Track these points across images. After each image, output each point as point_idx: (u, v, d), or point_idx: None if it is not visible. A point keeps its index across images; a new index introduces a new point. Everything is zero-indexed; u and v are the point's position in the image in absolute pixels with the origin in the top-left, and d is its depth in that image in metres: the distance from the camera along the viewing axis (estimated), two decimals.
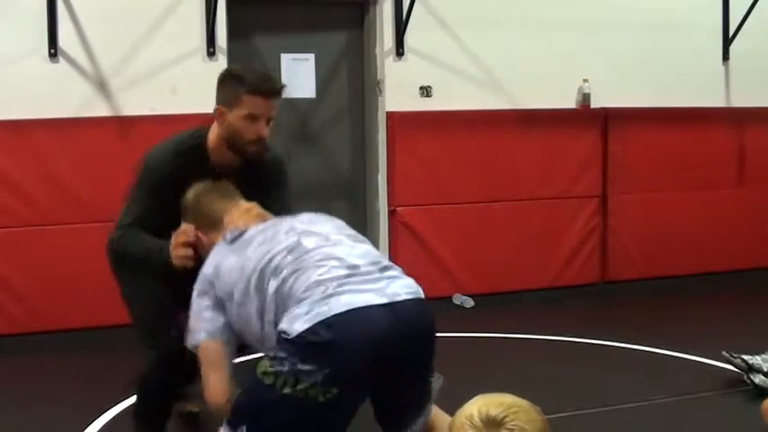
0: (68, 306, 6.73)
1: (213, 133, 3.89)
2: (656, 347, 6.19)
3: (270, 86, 3.79)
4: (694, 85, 8.52)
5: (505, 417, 1.97)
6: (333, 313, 2.90)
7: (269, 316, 3.06)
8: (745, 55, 8.67)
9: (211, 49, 7.14)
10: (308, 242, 3.16)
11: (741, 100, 8.78)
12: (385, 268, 3.15)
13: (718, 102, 8.75)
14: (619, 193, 8.28)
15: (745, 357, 5.31)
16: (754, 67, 8.71)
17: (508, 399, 2.02)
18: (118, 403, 5.17)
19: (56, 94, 6.74)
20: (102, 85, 6.89)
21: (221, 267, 3.27)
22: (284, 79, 7.53)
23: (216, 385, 3.21)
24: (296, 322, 2.91)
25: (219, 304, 3.25)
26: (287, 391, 2.89)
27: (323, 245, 3.16)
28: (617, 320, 7.22)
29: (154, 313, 4.11)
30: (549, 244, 8.04)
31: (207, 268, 3.33)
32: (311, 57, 7.68)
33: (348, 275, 3.02)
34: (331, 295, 2.94)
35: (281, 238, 3.21)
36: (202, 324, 3.26)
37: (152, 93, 6.93)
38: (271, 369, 2.93)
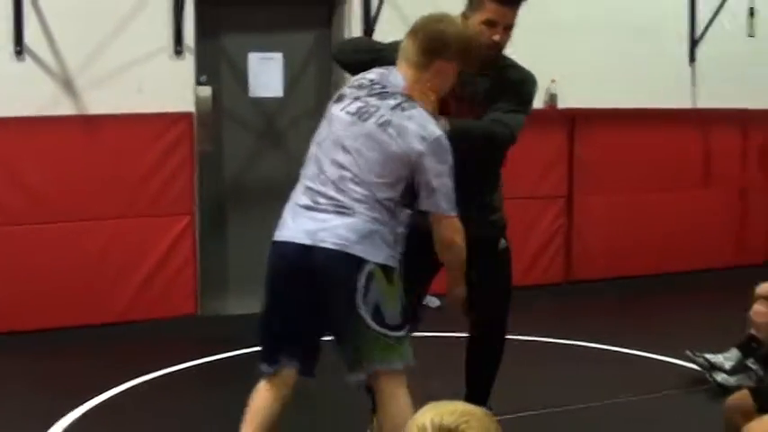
0: (30, 306, 6.67)
1: None
2: (621, 347, 6.23)
3: None
4: (661, 86, 8.58)
5: (458, 426, 1.94)
6: (273, 238, 3.68)
7: None
8: (711, 57, 8.74)
9: (179, 48, 7.11)
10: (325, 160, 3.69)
11: (707, 101, 8.85)
12: (337, 209, 3.55)
13: (684, 103, 8.81)
14: (584, 194, 8.32)
15: (707, 356, 5.36)
16: (719, 68, 8.78)
17: (460, 406, 1.99)
18: (77, 407, 5.13)
19: (21, 93, 6.69)
20: (68, 84, 6.85)
21: None
22: (251, 78, 7.58)
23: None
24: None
25: None
26: None
27: (322, 173, 3.66)
28: (582, 320, 7.26)
29: None
30: (515, 244, 7.99)
31: None
32: (279, 56, 7.67)
33: (305, 207, 3.63)
34: (283, 222, 3.71)
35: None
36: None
37: (118, 91, 6.88)
38: None
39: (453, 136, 3.83)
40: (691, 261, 8.61)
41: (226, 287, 7.62)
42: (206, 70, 7.39)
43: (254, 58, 7.59)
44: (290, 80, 7.73)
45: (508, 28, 4.14)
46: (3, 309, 6.60)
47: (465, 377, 4.53)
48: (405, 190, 3.57)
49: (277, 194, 7.60)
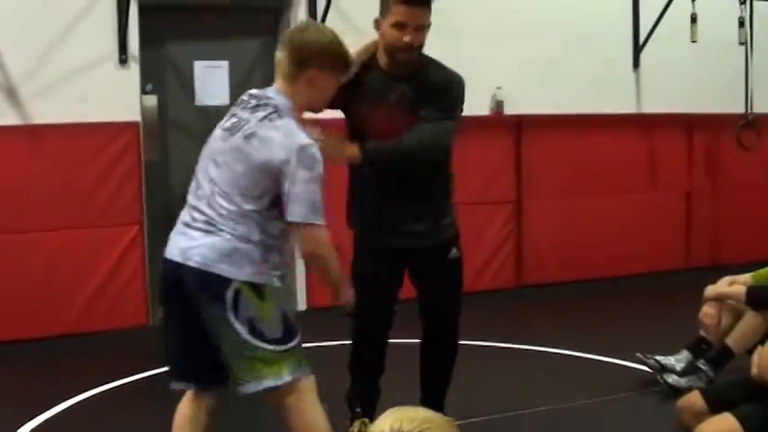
0: None
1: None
2: (572, 350, 6.26)
3: None
4: (606, 91, 8.66)
5: None
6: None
7: None
8: (655, 62, 8.84)
9: (123, 57, 7.04)
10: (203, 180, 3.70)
11: (651, 106, 8.95)
12: (206, 227, 3.56)
13: (629, 108, 8.90)
14: (533, 199, 8.37)
15: (658, 358, 5.39)
16: (663, 74, 8.88)
17: (421, 413, 1.99)
18: (28, 421, 5.05)
19: None
20: (11, 93, 6.75)
21: None
22: (197, 87, 7.53)
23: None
24: None
25: None
26: None
27: (200, 189, 3.67)
28: (533, 324, 7.29)
29: None
30: (465, 249, 8.04)
31: None
32: (225, 64, 7.63)
33: (184, 224, 3.65)
34: (169, 238, 3.72)
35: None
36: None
37: (63, 101, 6.81)
38: None
39: (368, 160, 4.07)
40: (639, 264, 8.69)
41: None
42: (151, 79, 7.34)
43: (199, 67, 7.55)
44: (237, 88, 7.68)
45: (420, 29, 4.09)
46: None
47: (420, 382, 4.54)
48: (272, 202, 3.54)
49: None
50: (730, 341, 5.18)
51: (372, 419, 3.89)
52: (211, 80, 7.58)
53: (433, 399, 4.39)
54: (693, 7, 8.12)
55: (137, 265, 7.06)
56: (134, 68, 7.10)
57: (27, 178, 6.70)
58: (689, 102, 8.94)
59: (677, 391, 4.99)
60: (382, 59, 4.21)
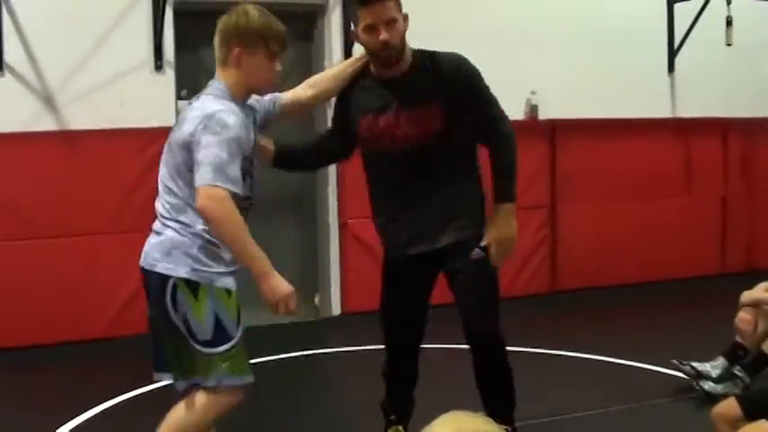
0: (15, 323, 6.63)
1: None
2: (606, 356, 6.23)
3: None
4: (640, 96, 8.63)
5: None
6: None
7: None
8: (690, 66, 8.80)
9: (159, 63, 7.10)
10: None
11: (686, 110, 8.90)
12: (158, 227, 3.57)
13: (663, 112, 8.86)
14: (567, 204, 8.35)
15: (693, 364, 5.35)
16: (698, 78, 8.84)
17: (481, 424, 1.88)
18: (63, 424, 5.07)
19: (2, 109, 6.67)
20: (49, 100, 6.82)
21: None
22: None
23: None
24: None
25: None
26: None
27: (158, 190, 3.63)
28: (567, 330, 7.27)
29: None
30: None
31: None
32: None
33: (153, 227, 3.60)
34: None
35: None
36: None
37: (99, 107, 6.87)
38: None
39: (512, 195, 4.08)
40: (674, 270, 8.64)
41: None
42: (187, 84, 7.38)
43: None
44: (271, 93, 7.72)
45: (390, 23, 3.91)
46: None
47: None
48: None
49: (260, 207, 7.62)
50: (767, 347, 5.14)
51: (406, 427, 3.87)
52: None
53: (496, 411, 4.14)
54: (729, 10, 8.07)
55: None
56: (169, 74, 7.16)
57: (63, 183, 6.76)
58: (724, 106, 8.89)
59: (713, 398, 4.95)
60: (374, 68, 4.10)
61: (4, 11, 6.63)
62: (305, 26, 7.84)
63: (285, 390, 5.77)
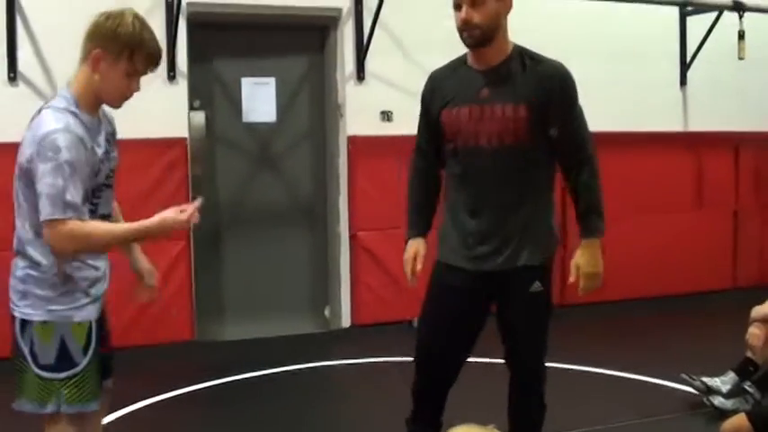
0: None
1: None
2: (617, 370, 6.22)
3: None
4: (652, 109, 8.62)
5: None
6: None
7: None
8: (702, 80, 8.79)
9: (172, 73, 7.12)
10: None
11: (698, 124, 8.89)
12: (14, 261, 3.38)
13: (675, 126, 8.85)
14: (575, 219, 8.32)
15: (704, 379, 5.35)
16: (710, 91, 8.83)
17: None
18: None
19: (15, 119, 6.63)
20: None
21: None
22: (244, 103, 7.60)
23: None
24: None
25: None
26: None
27: None
28: (576, 344, 7.23)
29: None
30: None
31: None
32: (272, 81, 7.69)
33: None
34: None
35: None
36: None
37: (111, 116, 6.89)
38: None
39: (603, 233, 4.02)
40: (685, 284, 8.62)
41: (222, 312, 7.62)
42: (199, 95, 7.41)
43: (247, 83, 7.61)
44: (283, 105, 7.75)
45: (474, 4, 3.67)
46: None
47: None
48: None
49: (271, 219, 7.69)
50: None
51: None
52: (258, 97, 7.65)
53: None
54: (741, 24, 8.07)
55: (183, 280, 7.12)
56: (182, 85, 7.18)
57: None
58: (736, 119, 8.88)
59: (723, 413, 4.95)
60: (469, 56, 3.87)
61: (18, 20, 6.66)
62: (317, 38, 7.86)
63: (294, 401, 5.77)
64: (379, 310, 7.67)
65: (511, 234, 3.81)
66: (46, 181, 3.15)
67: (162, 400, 5.74)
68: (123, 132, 6.87)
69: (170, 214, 3.37)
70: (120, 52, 3.29)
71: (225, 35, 7.56)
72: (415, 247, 4.00)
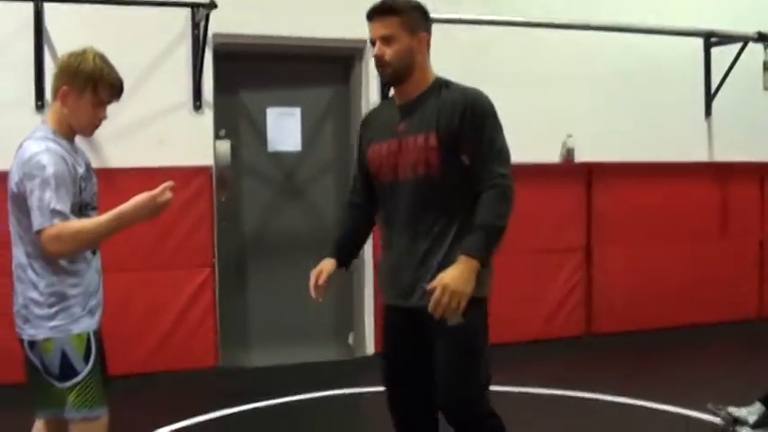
0: None
1: None
2: (642, 400, 6.17)
3: (369, 11, 3.79)
4: (677, 139, 8.61)
5: None
6: None
7: None
8: (727, 110, 8.78)
9: (198, 103, 7.18)
10: None
11: (723, 154, 8.87)
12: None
13: (701, 156, 8.83)
14: (603, 246, 8.32)
15: (730, 410, 5.31)
16: (735, 122, 8.81)
17: None
18: None
19: None
20: (88, 138, 6.89)
21: None
22: (270, 133, 7.65)
23: None
24: None
25: None
26: None
27: None
28: (602, 373, 7.21)
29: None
30: (533, 296, 8.06)
31: None
32: (297, 111, 7.74)
33: None
34: None
35: None
36: None
37: (139, 145, 6.95)
38: None
39: (484, 260, 3.56)
40: (712, 314, 8.58)
41: (246, 339, 7.64)
42: (225, 125, 7.46)
43: (272, 113, 7.66)
44: (308, 135, 7.80)
45: (387, 39, 3.70)
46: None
47: None
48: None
49: (296, 247, 7.71)
50: None
51: None
52: (284, 126, 7.69)
53: None
54: (766, 54, 8.07)
55: (207, 307, 7.15)
56: (208, 114, 7.24)
57: None
58: (762, 149, 8.85)
59: None
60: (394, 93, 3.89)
61: (46, 49, 6.74)
62: (342, 68, 7.91)
63: (318, 429, 5.77)
64: None
65: (427, 268, 3.66)
66: (35, 195, 3.47)
67: (185, 427, 5.75)
68: (150, 160, 7.02)
69: (142, 196, 3.57)
70: (83, 86, 3.64)
71: (251, 65, 7.61)
72: (323, 264, 3.91)
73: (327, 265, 3.90)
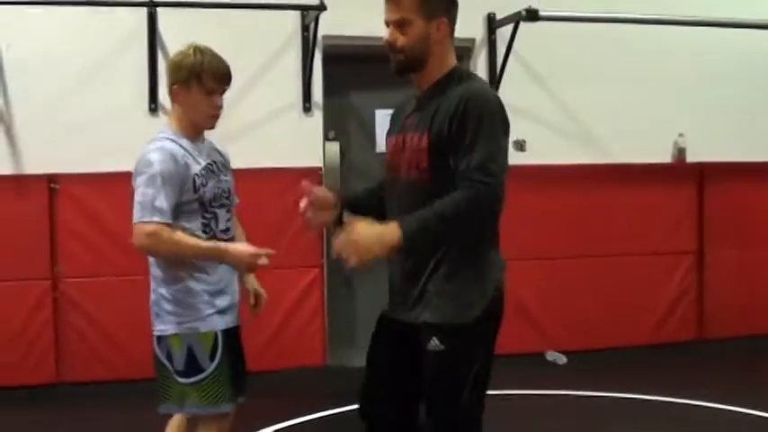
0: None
1: None
2: (755, 409, 6.04)
3: None
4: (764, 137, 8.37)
5: None
6: None
7: None
8: None
9: (307, 105, 7.26)
10: None
11: None
12: None
13: None
14: (715, 249, 8.15)
15: None
16: None
17: None
18: None
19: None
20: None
21: None
22: (378, 134, 7.67)
23: None
24: None
25: None
26: None
27: None
28: (714, 380, 7.06)
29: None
30: (644, 300, 7.94)
31: None
32: None
33: None
34: None
35: None
36: None
37: (249, 147, 7.04)
38: None
39: (409, 241, 3.09)
40: None
41: (353, 339, 7.68)
42: (334, 126, 7.53)
43: (381, 115, 7.69)
44: None
45: (400, 23, 3.39)
46: (123, 358, 6.77)
47: None
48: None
49: None
50: None
51: None
52: None
53: None
54: None
55: (316, 306, 7.22)
56: (317, 116, 7.32)
57: None
58: None
59: None
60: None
61: (159, 54, 6.90)
62: None
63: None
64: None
65: (414, 285, 3.41)
66: (139, 191, 3.61)
67: (293, 425, 5.81)
68: (260, 162, 7.11)
69: (247, 250, 3.74)
70: (188, 80, 3.75)
71: (359, 67, 7.65)
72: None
73: (323, 191, 3.75)
